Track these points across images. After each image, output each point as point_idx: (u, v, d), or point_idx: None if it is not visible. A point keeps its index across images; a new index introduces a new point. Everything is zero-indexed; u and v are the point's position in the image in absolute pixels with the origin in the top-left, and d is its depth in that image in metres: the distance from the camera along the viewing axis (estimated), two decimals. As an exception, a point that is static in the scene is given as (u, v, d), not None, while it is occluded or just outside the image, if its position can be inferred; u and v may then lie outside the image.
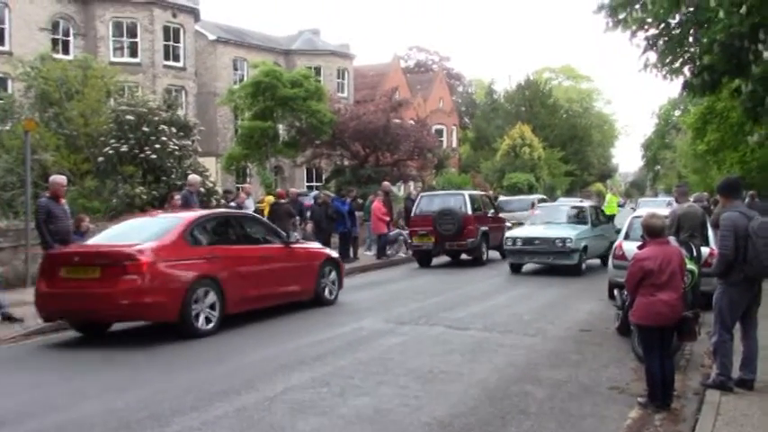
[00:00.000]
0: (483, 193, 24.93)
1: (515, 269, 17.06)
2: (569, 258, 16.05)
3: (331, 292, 12.37)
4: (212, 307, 9.72)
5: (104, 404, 6.52)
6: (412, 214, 19.71)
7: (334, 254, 13.47)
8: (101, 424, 5.96)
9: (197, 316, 9.48)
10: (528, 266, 17.40)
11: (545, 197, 33.67)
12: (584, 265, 16.31)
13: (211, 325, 9.66)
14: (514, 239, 16.87)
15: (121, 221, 11.54)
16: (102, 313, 9.30)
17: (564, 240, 16.08)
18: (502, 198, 29.24)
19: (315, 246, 13.46)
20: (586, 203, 21.05)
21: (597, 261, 17.69)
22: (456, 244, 18.17)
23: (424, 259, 19.04)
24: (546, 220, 18.21)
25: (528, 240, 16.64)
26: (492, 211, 20.66)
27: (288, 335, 9.76)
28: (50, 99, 19.08)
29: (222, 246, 10.35)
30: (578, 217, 17.93)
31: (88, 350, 9.08)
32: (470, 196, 19.82)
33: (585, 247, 16.45)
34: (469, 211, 18.67)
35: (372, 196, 21.27)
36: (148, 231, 9.89)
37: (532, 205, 26.66)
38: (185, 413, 6.23)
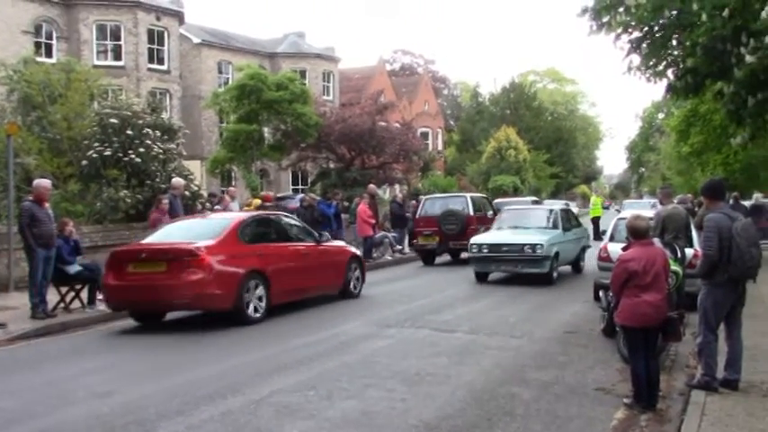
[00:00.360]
0: (482, 195, 25.74)
1: (481, 278, 15.66)
2: (540, 266, 14.79)
3: (355, 287, 13.56)
4: (260, 299, 10.85)
5: (90, 409, 6.47)
6: (417, 216, 20.58)
7: (358, 252, 14.80)
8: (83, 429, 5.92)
9: (248, 305, 10.60)
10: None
11: (537, 199, 33.81)
12: (555, 273, 15.18)
13: (259, 314, 10.74)
14: (480, 245, 15.35)
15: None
16: (167, 303, 10.41)
17: (534, 246, 14.75)
18: (499, 200, 29.25)
19: (341, 244, 14.58)
20: (556, 206, 19.79)
21: (568, 268, 16.82)
22: (459, 243, 18.66)
23: (428, 258, 20.14)
24: (513, 224, 16.77)
25: (494, 246, 15.27)
26: (491, 212, 21.34)
27: (273, 339, 9.72)
28: (33, 102, 18.91)
29: (267, 243, 11.63)
30: (548, 221, 16.52)
31: (69, 358, 9.01)
32: (472, 198, 21.15)
33: (557, 254, 15.22)
34: (472, 212, 19.91)
35: (358, 199, 21.26)
36: (205, 230, 11.16)
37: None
38: (171, 417, 6.18)
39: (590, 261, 15.91)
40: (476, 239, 15.76)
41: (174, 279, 10.03)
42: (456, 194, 24.09)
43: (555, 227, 16.11)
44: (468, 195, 21.74)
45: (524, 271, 14.96)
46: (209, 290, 10.12)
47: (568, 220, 17.11)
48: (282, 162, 33.69)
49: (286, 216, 13.95)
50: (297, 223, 13.47)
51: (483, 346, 9.03)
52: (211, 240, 10.57)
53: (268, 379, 7.46)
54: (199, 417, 6.21)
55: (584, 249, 17.33)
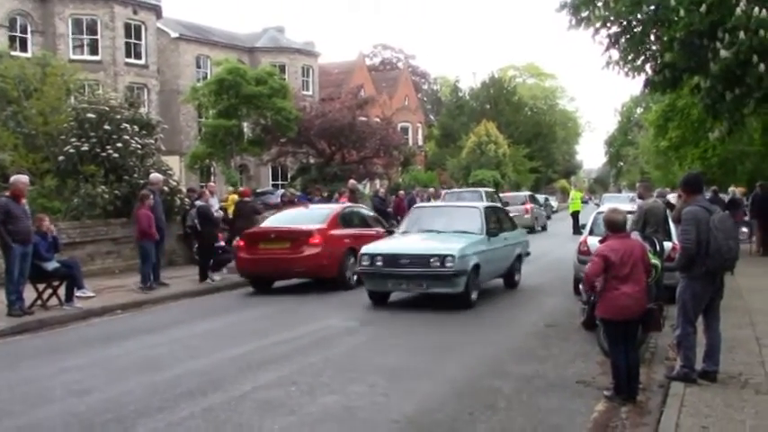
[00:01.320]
0: (492, 189, 29.62)
1: (377, 300, 11.91)
2: (451, 284, 11.02)
3: None
4: (351, 271, 13.76)
5: (68, 407, 6.40)
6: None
7: None
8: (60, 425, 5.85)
9: (347, 274, 13.78)
10: None
11: (533, 194, 34.99)
12: (474, 295, 11.45)
13: (353, 282, 13.68)
14: (372, 256, 11.48)
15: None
16: (289, 272, 13.76)
17: (443, 258, 10.90)
18: (506, 194, 32.89)
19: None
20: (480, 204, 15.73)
21: (500, 281, 13.45)
22: None
23: None
24: (424, 226, 12.71)
25: (391, 258, 11.31)
26: (500, 204, 22.50)
27: (254, 334, 9.68)
28: (8, 97, 18.62)
29: (355, 228, 14.86)
30: (471, 222, 12.46)
31: (47, 355, 8.91)
32: (486, 192, 25.53)
33: (477, 267, 11.41)
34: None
35: (337, 194, 21.23)
36: (314, 217, 14.56)
37: (527, 201, 30.29)
38: (151, 415, 6.13)
39: (533, 275, 14.63)
40: (368, 248, 11.85)
41: (295, 253, 13.29)
42: (473, 189, 28.00)
43: (478, 231, 12.16)
44: (483, 190, 26.31)
45: (431, 291, 11.27)
46: (321, 262, 13.34)
47: (498, 222, 13.21)
48: (263, 157, 33.52)
49: (365, 208, 17.70)
50: (372, 214, 17.13)
51: (464, 341, 9.05)
52: (321, 225, 13.95)
53: (249, 375, 7.42)
54: (179, 414, 6.16)
55: (519, 258, 13.82)
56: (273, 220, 15.07)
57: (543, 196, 37.04)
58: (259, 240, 13.79)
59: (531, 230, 26.32)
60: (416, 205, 16.25)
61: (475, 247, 11.61)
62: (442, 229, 12.23)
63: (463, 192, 26.61)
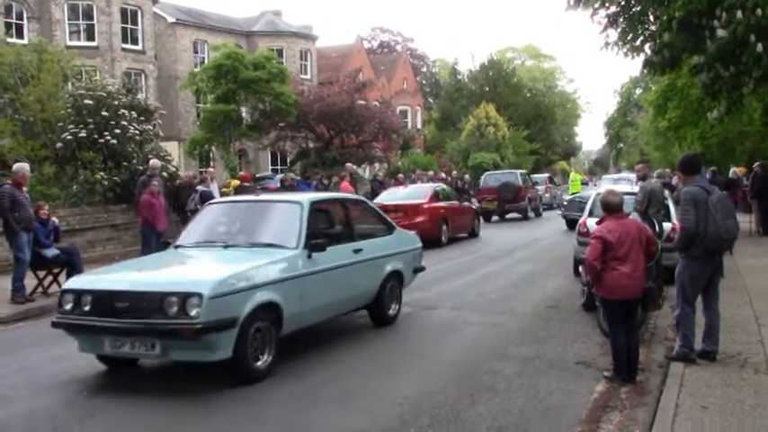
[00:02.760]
0: (525, 171, 32.54)
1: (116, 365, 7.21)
2: (200, 347, 6.34)
3: (477, 233, 21.00)
4: (444, 234, 18.50)
5: (68, 394, 6.42)
6: (480, 187, 27.83)
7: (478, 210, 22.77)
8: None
9: (443, 236, 18.33)
10: (499, 246, 17.65)
11: (551, 176, 38.15)
12: (264, 359, 6.74)
13: (445, 241, 18.41)
14: (77, 295, 6.83)
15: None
16: None
17: (184, 299, 6.28)
18: (537, 175, 36.60)
19: (471, 205, 22.43)
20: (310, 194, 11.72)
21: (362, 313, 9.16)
22: (511, 205, 26.41)
23: (488, 217, 26.01)
24: (211, 235, 8.29)
25: (103, 298, 6.65)
26: (531, 183, 29.12)
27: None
28: (5, 84, 18.52)
29: (445, 202, 19.43)
30: (281, 226, 7.96)
31: (48, 342, 8.93)
32: (521, 174, 28.69)
33: (273, 308, 6.88)
34: (521, 183, 27.15)
35: (336, 177, 21.22)
36: (417, 194, 19.42)
37: (546, 182, 34.94)
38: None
39: (533, 257, 15.15)
40: (73, 282, 7.39)
41: (408, 220, 16.69)
42: (510, 171, 31.02)
43: (291, 243, 7.50)
44: (518, 171, 29.55)
45: (174, 358, 6.67)
46: (426, 226, 17.07)
47: (345, 225, 8.88)
48: (262, 142, 33.46)
49: (448, 186, 22.99)
50: (454, 192, 21.58)
51: (465, 323, 9.08)
52: (423, 199, 18.68)
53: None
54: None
55: (398, 279, 9.30)
56: (387, 197, 19.36)
57: (546, 176, 37.89)
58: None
59: (550, 207, 31.02)
60: (211, 201, 9.91)
61: (269, 271, 6.96)
62: (234, 242, 7.83)
63: (503, 173, 29.40)
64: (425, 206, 18.27)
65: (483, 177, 28.67)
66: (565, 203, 22.78)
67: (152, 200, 13.29)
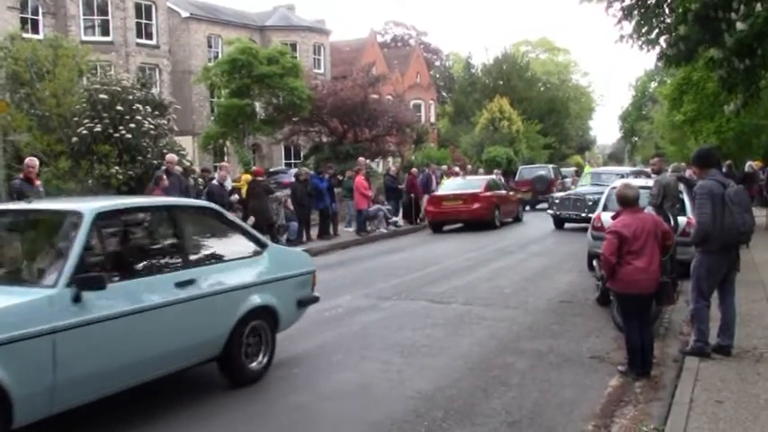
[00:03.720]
0: (555, 166, 35.06)
1: None
2: None
3: (520, 218, 23.90)
4: (498, 218, 21.44)
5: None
6: (516, 179, 30.15)
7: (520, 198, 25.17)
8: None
9: (496, 219, 21.28)
10: (512, 239, 17.56)
11: (577, 169, 39.76)
12: None
13: (499, 224, 21.37)
14: None
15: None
16: (461, 218, 21.23)
17: None
18: (567, 169, 39.63)
19: (515, 194, 24.81)
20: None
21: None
22: (543, 196, 27.10)
23: (523, 206, 27.10)
24: None
25: None
26: (561, 177, 32.39)
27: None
28: (21, 79, 18.66)
29: (496, 191, 22.31)
30: (46, 254, 5.63)
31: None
32: (552, 168, 32.08)
33: None
34: (552, 177, 29.96)
35: (350, 172, 21.23)
36: (473, 184, 22.29)
37: (573, 175, 36.49)
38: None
39: (546, 251, 15.40)
40: None
41: (467, 206, 20.61)
42: (543, 165, 34.46)
43: (48, 278, 5.04)
44: (550, 166, 32.81)
45: None
46: (482, 212, 20.73)
47: (174, 246, 6.32)
48: (276, 136, 33.52)
49: (499, 176, 26.38)
50: (502, 181, 25.34)
51: (478, 317, 9.08)
52: (480, 189, 21.36)
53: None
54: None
55: (261, 318, 6.65)
56: (447, 187, 22.73)
57: (550, 166, 38.37)
58: (442, 200, 21.39)
59: None
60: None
61: None
62: None
63: (537, 167, 32.13)
64: (482, 194, 21.00)
65: (519, 171, 32.13)
66: (556, 201, 20.67)
67: (161, 194, 13.30)
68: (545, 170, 30.92)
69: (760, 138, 26.83)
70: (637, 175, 20.96)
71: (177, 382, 6.27)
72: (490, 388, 6.18)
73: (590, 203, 18.56)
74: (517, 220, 23.45)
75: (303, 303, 7.26)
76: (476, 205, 20.62)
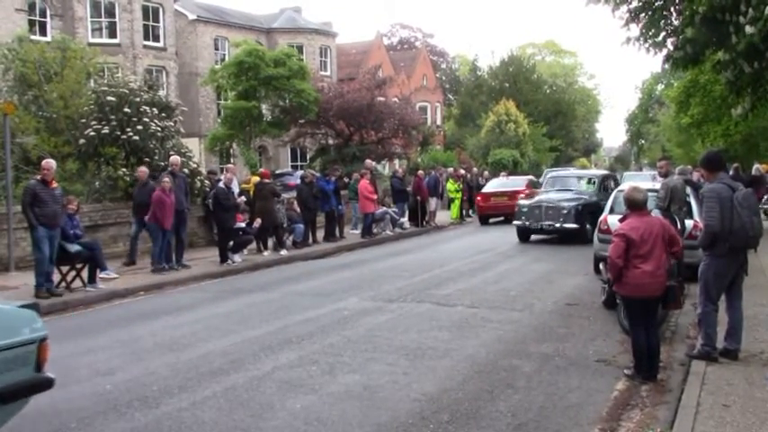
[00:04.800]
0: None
1: None
2: None
3: None
4: None
5: (93, 387, 6.50)
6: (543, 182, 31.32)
7: None
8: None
9: None
10: (514, 244, 17.51)
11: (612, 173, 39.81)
12: None
13: None
14: None
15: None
16: (506, 212, 22.34)
17: None
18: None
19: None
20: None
21: None
22: None
23: None
24: None
25: None
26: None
27: (275, 314, 9.75)
28: (29, 81, 18.74)
29: (533, 189, 23.21)
30: None
31: (72, 336, 9.03)
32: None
33: None
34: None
35: (356, 175, 21.24)
36: (516, 183, 25.31)
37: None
38: (174, 394, 6.22)
39: (552, 255, 15.12)
40: None
41: (511, 201, 21.47)
42: (564, 168, 37.85)
43: None
44: (571, 169, 35.26)
45: None
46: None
47: None
48: (283, 138, 33.57)
49: (535, 178, 28.84)
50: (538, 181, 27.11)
51: (484, 320, 9.07)
52: (522, 187, 24.14)
53: (271, 354, 7.50)
54: (202, 393, 6.25)
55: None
56: (494, 185, 25.90)
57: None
58: (490, 196, 24.63)
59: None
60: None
61: None
62: None
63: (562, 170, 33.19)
64: (523, 192, 23.26)
65: (545, 174, 35.03)
66: (524, 209, 18.17)
67: (163, 197, 13.34)
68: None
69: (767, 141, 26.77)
70: (605, 178, 20.75)
71: (180, 387, 6.27)
72: (496, 390, 6.18)
73: (565, 212, 17.48)
74: None
75: (14, 395, 4.51)
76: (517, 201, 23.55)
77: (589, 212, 17.32)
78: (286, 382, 6.53)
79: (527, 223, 17.95)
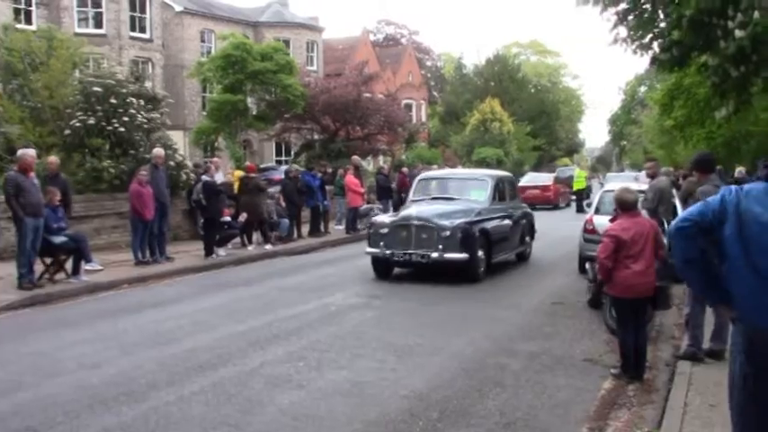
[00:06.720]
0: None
1: None
2: None
3: (570, 204, 31.98)
4: (562, 202, 32.57)
5: (79, 380, 6.46)
6: (555, 179, 35.37)
7: None
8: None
9: (560, 203, 32.13)
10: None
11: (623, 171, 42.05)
12: None
13: (563, 206, 32.05)
14: None
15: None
16: (539, 202, 28.65)
17: None
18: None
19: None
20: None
21: None
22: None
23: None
24: None
25: None
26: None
27: (262, 310, 9.72)
28: (14, 70, 18.55)
29: (557, 184, 32.84)
30: None
31: (57, 328, 8.96)
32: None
33: None
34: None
35: (342, 170, 21.22)
36: (544, 179, 33.75)
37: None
38: (161, 388, 6.19)
39: (539, 253, 14.76)
40: None
41: (542, 193, 30.72)
42: (571, 167, 42.08)
43: None
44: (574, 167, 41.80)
45: None
46: (552, 197, 31.30)
47: None
48: (268, 132, 33.46)
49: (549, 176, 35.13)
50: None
51: (471, 318, 9.11)
52: (549, 182, 32.67)
53: (258, 350, 7.48)
54: (189, 388, 6.22)
55: None
56: (528, 179, 32.76)
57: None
58: (526, 188, 27.77)
59: (588, 196, 32.29)
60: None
61: None
62: None
63: (568, 168, 41.82)
64: (551, 186, 31.98)
65: (557, 172, 39.12)
66: (381, 231, 12.30)
67: (140, 189, 13.24)
68: (574, 171, 36.58)
69: (749, 143, 27.01)
70: (500, 182, 14.02)
71: (167, 382, 6.25)
72: (485, 388, 6.20)
73: (446, 234, 11.61)
74: (568, 205, 32.31)
75: None
76: (548, 193, 31.53)
77: (482, 233, 12.01)
78: (274, 377, 6.52)
79: (387, 252, 12.07)
